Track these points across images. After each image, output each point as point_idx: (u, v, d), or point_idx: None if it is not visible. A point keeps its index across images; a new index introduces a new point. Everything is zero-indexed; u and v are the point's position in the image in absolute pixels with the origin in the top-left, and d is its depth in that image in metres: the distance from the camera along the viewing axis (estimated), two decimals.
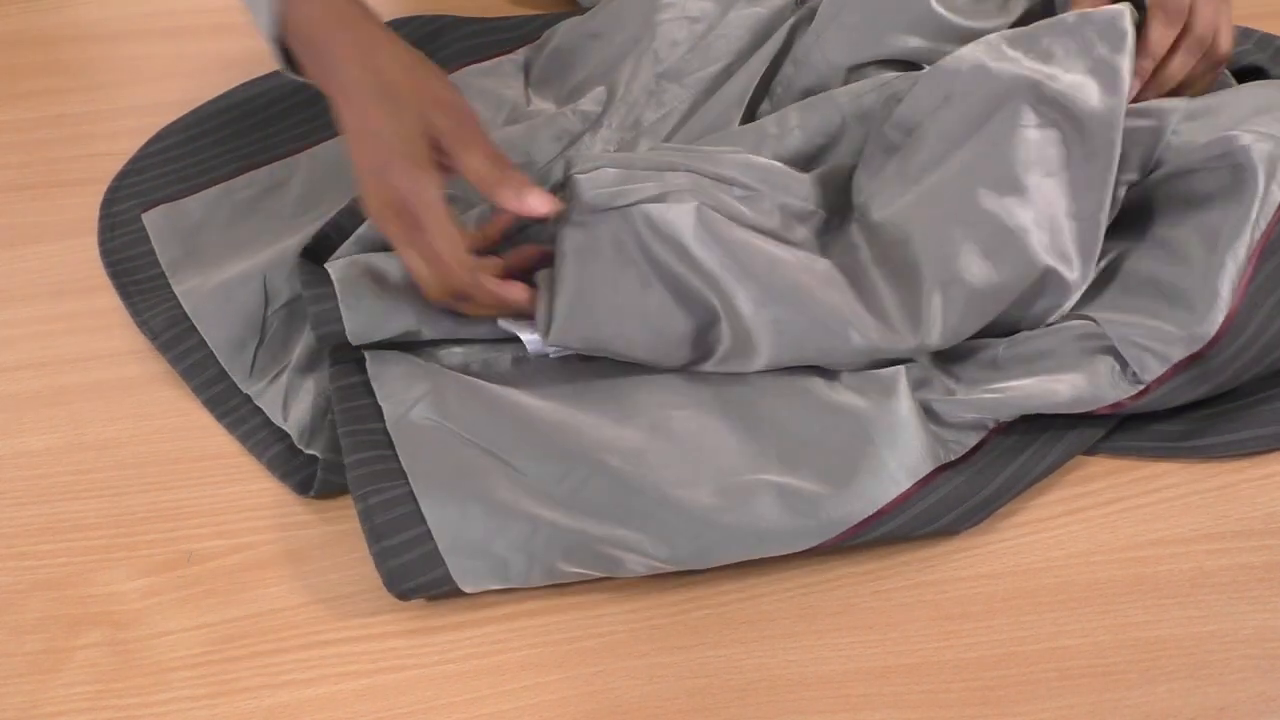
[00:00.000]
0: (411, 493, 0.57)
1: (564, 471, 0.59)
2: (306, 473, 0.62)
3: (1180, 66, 0.67)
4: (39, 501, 0.62)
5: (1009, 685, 0.54)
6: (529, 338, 0.63)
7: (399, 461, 0.58)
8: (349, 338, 0.62)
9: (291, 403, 0.65)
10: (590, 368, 0.64)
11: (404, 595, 0.56)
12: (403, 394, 0.61)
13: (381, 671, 0.55)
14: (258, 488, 0.63)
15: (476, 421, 0.60)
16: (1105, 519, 0.60)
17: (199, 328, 0.68)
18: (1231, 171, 0.62)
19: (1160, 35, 0.66)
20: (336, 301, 0.62)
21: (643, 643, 0.56)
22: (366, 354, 0.63)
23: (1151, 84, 0.67)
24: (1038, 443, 0.62)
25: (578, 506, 0.57)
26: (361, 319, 0.62)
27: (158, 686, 0.55)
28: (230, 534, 0.61)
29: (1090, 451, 0.63)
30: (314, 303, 0.62)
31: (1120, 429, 0.63)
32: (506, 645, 0.56)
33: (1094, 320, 0.63)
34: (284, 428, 0.64)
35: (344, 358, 0.63)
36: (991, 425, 0.62)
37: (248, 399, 0.65)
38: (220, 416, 0.65)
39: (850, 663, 0.55)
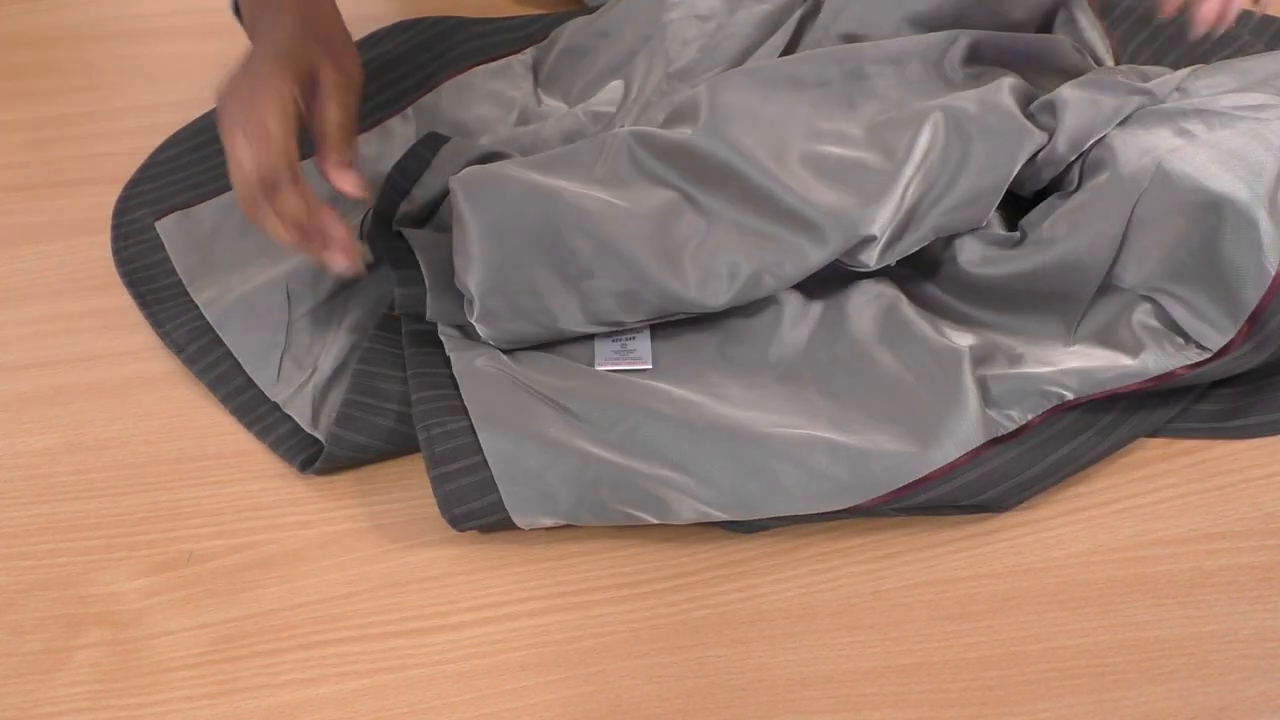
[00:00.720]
0: (471, 427, 0.60)
1: (617, 418, 0.60)
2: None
3: None
4: (39, 501, 0.62)
5: (1009, 685, 0.54)
6: (606, 352, 0.65)
7: (461, 400, 0.61)
8: (432, 319, 0.65)
9: (320, 410, 0.65)
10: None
11: (457, 521, 0.58)
12: (470, 347, 0.64)
13: (381, 671, 0.55)
14: (258, 488, 0.63)
15: (537, 372, 0.63)
16: (1105, 519, 0.60)
17: (225, 340, 0.68)
18: None
19: None
20: (423, 289, 0.64)
21: (643, 643, 0.56)
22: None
23: None
24: (1095, 427, 0.61)
25: (629, 449, 0.59)
26: (447, 306, 0.65)
27: (158, 686, 0.55)
28: (230, 534, 0.61)
29: (1156, 433, 0.63)
30: (402, 285, 0.65)
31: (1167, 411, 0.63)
32: (506, 645, 0.56)
33: (1153, 301, 0.63)
34: (315, 434, 0.64)
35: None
36: (1051, 405, 0.61)
37: (275, 407, 0.66)
38: (249, 425, 0.65)
39: (850, 663, 0.55)
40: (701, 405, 0.61)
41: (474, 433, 0.59)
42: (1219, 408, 0.64)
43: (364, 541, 0.60)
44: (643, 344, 0.65)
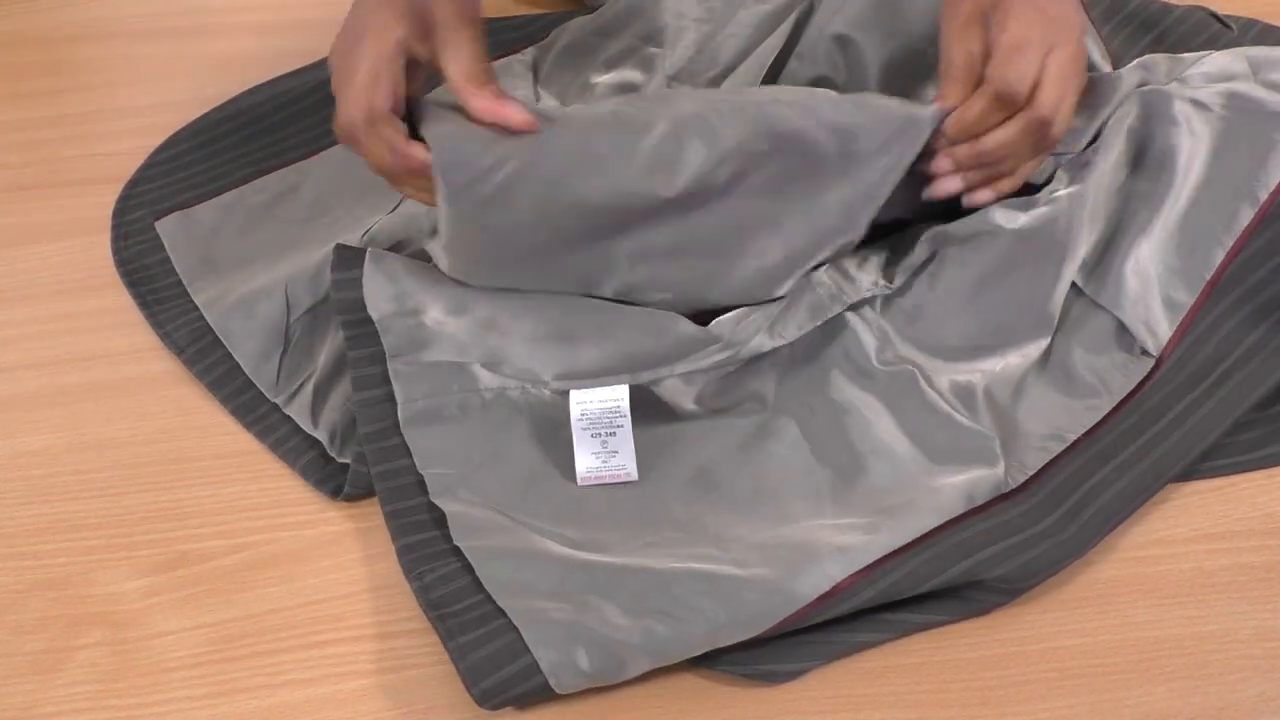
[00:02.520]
0: (466, 567, 0.56)
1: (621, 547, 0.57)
2: (341, 480, 0.62)
3: (1003, 142, 0.63)
4: (39, 501, 0.62)
5: (1009, 685, 0.54)
6: (585, 470, 0.60)
7: (450, 541, 0.57)
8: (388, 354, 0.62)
9: (320, 410, 0.65)
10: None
11: (488, 696, 0.52)
12: (441, 464, 0.60)
13: (381, 671, 0.55)
14: (257, 488, 0.63)
15: (526, 514, 0.59)
16: None
17: (225, 342, 0.68)
18: None
19: (980, 114, 0.62)
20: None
21: None
22: (401, 417, 0.61)
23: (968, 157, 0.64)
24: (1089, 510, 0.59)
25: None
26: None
27: (158, 686, 0.55)
28: (229, 534, 0.61)
29: (1185, 478, 0.61)
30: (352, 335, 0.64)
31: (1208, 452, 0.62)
32: None
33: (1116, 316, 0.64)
34: (314, 435, 0.64)
35: (375, 414, 0.61)
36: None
37: (276, 407, 0.66)
38: (249, 425, 0.65)
39: (850, 663, 0.55)
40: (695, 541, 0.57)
41: (472, 572, 0.56)
42: (1250, 436, 0.63)
43: (364, 541, 0.60)
44: (624, 443, 0.60)
